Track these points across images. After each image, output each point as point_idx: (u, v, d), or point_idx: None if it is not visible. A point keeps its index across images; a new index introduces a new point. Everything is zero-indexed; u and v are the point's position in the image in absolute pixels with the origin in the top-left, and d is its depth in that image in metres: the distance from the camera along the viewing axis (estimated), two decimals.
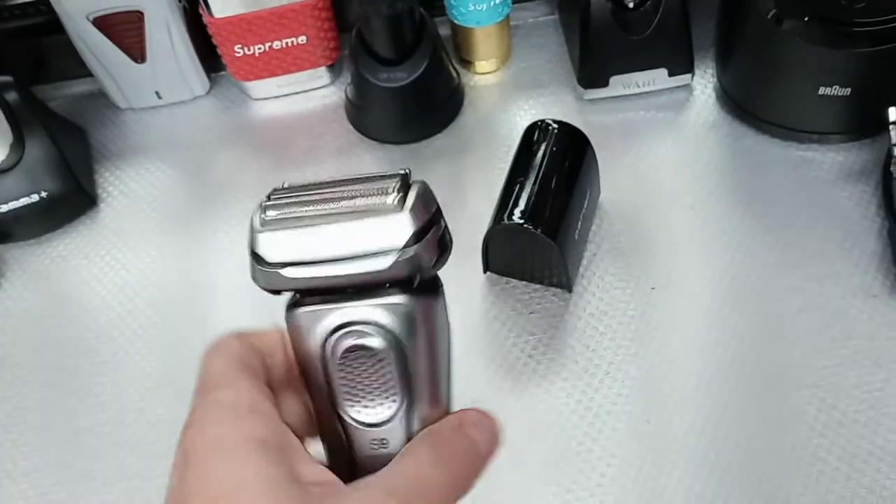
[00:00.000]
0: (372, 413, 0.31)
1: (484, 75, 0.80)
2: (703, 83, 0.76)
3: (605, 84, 0.74)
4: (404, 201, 0.30)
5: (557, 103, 0.76)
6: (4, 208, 0.70)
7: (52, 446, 0.63)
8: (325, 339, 0.31)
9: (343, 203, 0.30)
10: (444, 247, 0.31)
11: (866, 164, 0.69)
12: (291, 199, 0.31)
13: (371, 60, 0.72)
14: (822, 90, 0.65)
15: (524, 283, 0.65)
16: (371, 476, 0.30)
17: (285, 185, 0.32)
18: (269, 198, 0.31)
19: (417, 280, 0.31)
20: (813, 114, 0.69)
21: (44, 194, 0.71)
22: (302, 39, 0.76)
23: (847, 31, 0.63)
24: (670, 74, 0.73)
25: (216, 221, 0.73)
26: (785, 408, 0.58)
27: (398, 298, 0.30)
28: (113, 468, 0.61)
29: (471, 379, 0.61)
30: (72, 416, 0.64)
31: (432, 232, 0.30)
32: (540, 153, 0.63)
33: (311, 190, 0.31)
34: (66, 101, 0.82)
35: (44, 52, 0.82)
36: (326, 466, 0.31)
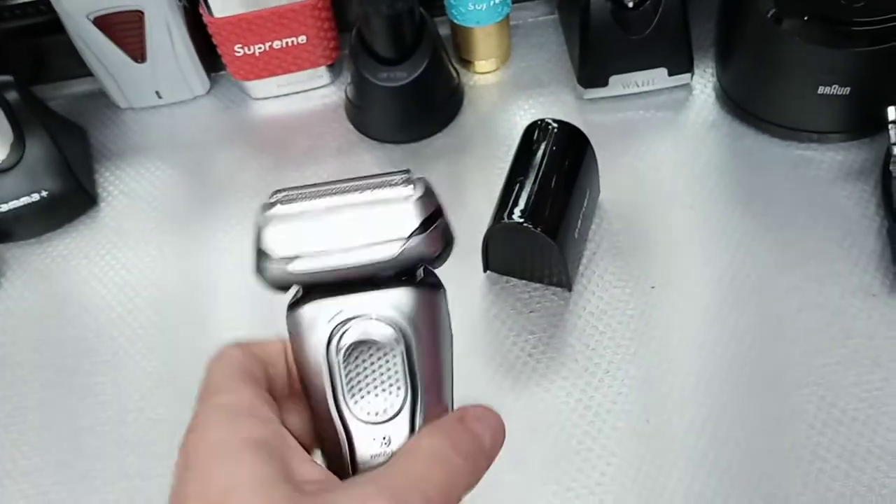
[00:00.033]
0: (376, 408, 0.31)
1: (484, 75, 0.80)
2: (703, 83, 0.76)
3: (604, 83, 0.74)
4: (410, 193, 0.31)
5: (557, 103, 0.77)
6: (5, 208, 0.70)
7: (53, 445, 0.63)
8: (331, 333, 0.31)
9: (348, 197, 0.31)
10: (447, 240, 0.32)
11: (865, 164, 0.69)
12: (295, 196, 0.31)
13: (371, 60, 0.72)
14: (821, 89, 0.65)
15: (524, 282, 0.66)
16: (368, 472, 0.30)
17: (287, 187, 0.32)
18: (272, 196, 0.32)
19: (421, 273, 0.32)
20: (812, 113, 0.69)
21: (44, 194, 0.71)
22: (302, 39, 0.76)
23: (846, 30, 0.63)
24: (670, 74, 0.74)
25: (216, 221, 0.74)
26: (784, 406, 0.58)
27: (403, 291, 0.31)
28: (113, 467, 0.61)
29: (471, 378, 0.61)
30: (72, 415, 0.64)
31: (437, 224, 0.31)
32: (540, 152, 0.64)
33: (314, 188, 0.31)
34: (66, 101, 0.82)
35: (44, 51, 0.82)
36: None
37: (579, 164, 0.64)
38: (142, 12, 0.73)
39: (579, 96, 0.76)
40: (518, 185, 0.62)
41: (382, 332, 0.31)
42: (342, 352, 0.31)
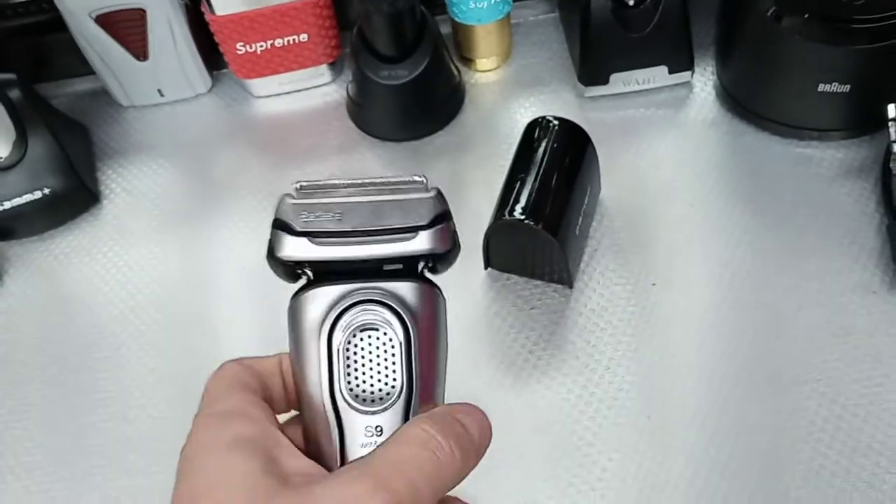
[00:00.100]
0: (372, 395, 0.32)
1: (485, 73, 0.80)
2: (703, 80, 0.76)
3: (605, 81, 0.74)
4: (425, 192, 0.32)
5: (558, 101, 0.77)
6: (7, 205, 0.71)
7: (55, 442, 0.63)
8: (335, 317, 0.32)
9: (366, 189, 0.32)
10: (454, 241, 0.33)
11: (865, 161, 0.69)
12: (316, 187, 0.33)
13: (372, 58, 0.72)
14: (821, 87, 0.66)
15: (525, 279, 0.66)
16: (356, 461, 0.30)
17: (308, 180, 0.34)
18: (294, 184, 0.33)
19: (426, 272, 0.33)
20: (812, 111, 0.69)
21: (46, 191, 0.71)
22: (303, 37, 0.76)
23: (846, 28, 0.63)
24: (670, 72, 0.74)
25: (218, 218, 0.74)
26: (785, 403, 0.58)
27: (408, 285, 0.32)
28: (115, 464, 0.62)
29: (472, 374, 0.62)
30: (74, 412, 0.64)
31: (448, 223, 0.33)
32: (541, 150, 0.64)
33: (335, 181, 0.33)
34: (68, 99, 0.82)
35: (46, 50, 0.82)
36: None
37: (580, 161, 0.64)
38: (144, 10, 0.74)
39: (580, 94, 0.76)
40: (519, 183, 0.62)
41: (385, 320, 0.32)
42: (344, 335, 0.31)
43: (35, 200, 0.71)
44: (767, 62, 0.68)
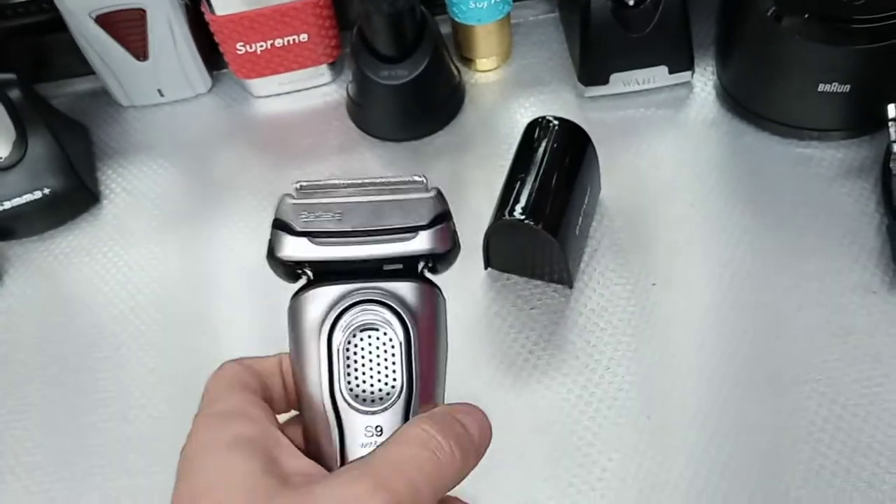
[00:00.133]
0: (372, 395, 0.31)
1: (485, 73, 0.80)
2: (703, 80, 0.76)
3: (605, 81, 0.74)
4: (426, 192, 0.32)
5: (558, 101, 0.77)
6: (7, 205, 0.71)
7: (55, 442, 0.63)
8: (335, 317, 0.32)
9: (367, 189, 0.32)
10: (454, 241, 0.33)
11: (865, 161, 0.69)
12: (316, 187, 0.33)
13: (372, 58, 0.72)
14: (821, 87, 0.66)
15: (525, 279, 0.66)
16: (356, 461, 0.30)
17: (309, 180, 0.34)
18: (294, 184, 0.33)
19: (426, 273, 0.33)
20: (812, 111, 0.69)
21: (46, 191, 0.71)
22: (303, 37, 0.76)
23: (846, 28, 0.63)
24: (670, 72, 0.74)
25: (218, 218, 0.74)
26: (785, 403, 0.58)
27: (408, 285, 0.32)
28: (115, 464, 0.62)
29: (472, 375, 0.62)
30: (74, 412, 0.64)
31: (448, 223, 0.33)
32: (541, 150, 0.64)
33: (335, 181, 0.33)
34: (68, 99, 0.82)
35: (46, 50, 0.82)
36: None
37: (580, 161, 0.64)
38: (144, 10, 0.74)
39: (580, 94, 0.76)
40: (519, 183, 0.62)
41: (385, 320, 0.32)
42: (345, 335, 0.31)
43: (35, 200, 0.71)
44: (767, 62, 0.68)
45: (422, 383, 0.32)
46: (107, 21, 0.74)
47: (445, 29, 0.79)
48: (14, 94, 0.72)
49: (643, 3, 0.70)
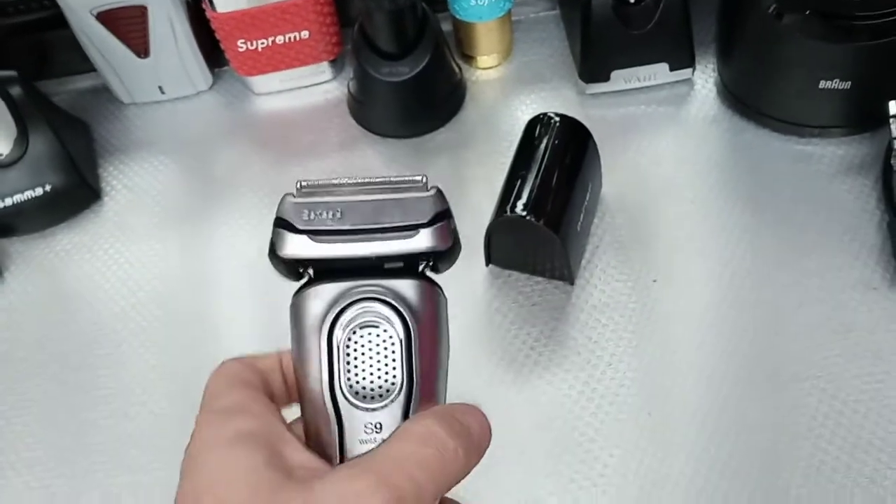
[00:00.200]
0: (372, 392, 0.32)
1: (486, 70, 0.80)
2: (704, 78, 0.76)
3: (606, 78, 0.74)
4: (426, 190, 0.33)
5: (559, 98, 0.77)
6: (8, 202, 0.71)
7: (56, 439, 0.63)
8: (336, 314, 0.32)
9: (368, 187, 0.33)
10: (455, 239, 0.33)
11: (866, 158, 0.69)
12: (318, 186, 0.33)
13: (373, 55, 0.72)
14: (822, 84, 0.66)
15: (526, 275, 0.66)
16: (359, 457, 0.30)
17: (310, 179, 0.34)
18: (296, 184, 0.33)
19: (427, 271, 0.33)
20: (813, 108, 0.69)
21: (47, 188, 0.71)
22: (304, 34, 0.76)
23: (847, 25, 0.63)
24: (671, 69, 0.74)
25: (219, 216, 0.74)
26: (785, 399, 0.58)
27: (409, 283, 0.32)
28: (116, 461, 0.62)
29: (473, 371, 0.62)
30: (75, 409, 0.64)
31: (448, 221, 0.33)
32: (542, 146, 0.64)
33: (336, 181, 0.33)
34: (69, 97, 0.82)
35: (47, 47, 0.82)
36: None
37: (581, 157, 0.64)
38: (145, 7, 0.74)
39: (581, 91, 0.76)
40: (520, 179, 0.62)
41: (385, 317, 0.32)
42: (345, 332, 0.32)
43: (36, 197, 0.71)
44: (768, 59, 0.68)
45: (422, 381, 0.32)
46: (108, 18, 0.74)
47: (446, 26, 0.79)
48: (15, 90, 0.72)
49: (644, 1, 0.70)
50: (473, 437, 0.31)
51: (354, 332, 0.32)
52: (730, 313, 0.63)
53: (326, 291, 0.32)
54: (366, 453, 0.30)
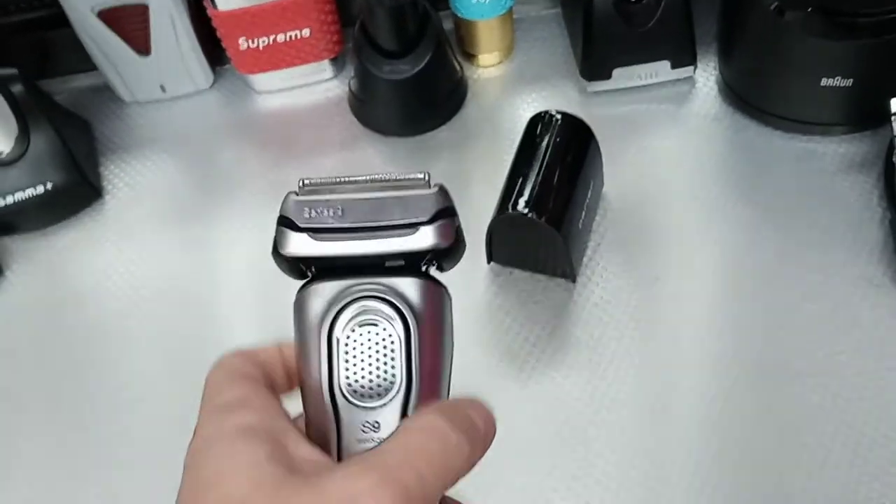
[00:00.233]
0: (370, 390, 0.31)
1: (487, 68, 0.80)
2: (706, 75, 0.76)
3: (607, 76, 0.74)
4: (429, 188, 0.32)
5: (560, 96, 0.77)
6: (10, 200, 0.71)
7: (57, 436, 0.63)
8: (336, 312, 0.32)
9: (370, 185, 0.33)
10: (458, 238, 0.33)
11: (868, 156, 0.69)
12: (320, 183, 0.33)
13: (375, 53, 0.72)
14: (824, 82, 0.66)
15: (528, 273, 0.66)
16: (362, 454, 0.29)
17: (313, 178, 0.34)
18: (299, 182, 0.33)
19: (430, 269, 0.33)
20: (815, 105, 0.69)
21: (49, 186, 0.71)
22: (306, 32, 0.76)
23: (849, 22, 0.63)
24: (673, 67, 0.74)
25: (220, 213, 0.74)
26: (788, 396, 0.58)
27: (411, 281, 0.32)
28: (117, 458, 0.62)
29: (475, 369, 0.62)
30: (76, 406, 0.64)
31: (451, 218, 0.32)
32: (544, 144, 0.64)
33: (339, 178, 0.33)
34: (71, 95, 0.82)
35: (49, 45, 0.82)
36: None
37: (583, 155, 0.64)
38: (146, 5, 0.74)
39: (582, 89, 0.76)
40: (522, 177, 0.62)
41: (384, 315, 0.31)
42: (344, 330, 0.31)
43: (37, 195, 0.71)
44: (770, 57, 0.68)
45: (422, 380, 0.32)
46: (109, 16, 0.74)
47: (448, 24, 0.79)
48: (17, 89, 0.72)
49: None
50: (478, 431, 0.31)
51: (353, 331, 0.31)
52: (732, 311, 0.63)
53: (327, 289, 0.32)
54: (370, 450, 0.30)
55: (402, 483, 0.27)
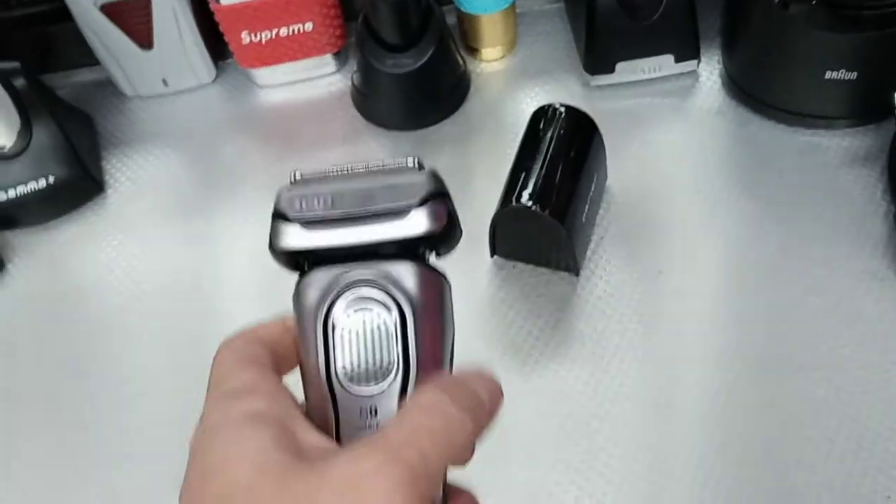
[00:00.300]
0: (366, 376, 0.31)
1: (490, 62, 0.80)
2: (709, 69, 0.76)
3: (611, 70, 0.74)
4: (419, 172, 0.32)
5: (564, 90, 0.77)
6: (12, 194, 0.71)
7: (58, 431, 0.63)
8: (332, 299, 0.32)
9: (362, 172, 0.33)
10: (452, 220, 0.32)
11: (872, 149, 0.69)
12: (312, 175, 0.33)
13: (377, 47, 0.72)
14: (828, 75, 0.66)
15: (531, 266, 0.66)
16: (366, 437, 0.29)
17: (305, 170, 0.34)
18: (290, 175, 0.33)
19: (427, 255, 0.33)
20: (819, 99, 0.69)
21: (51, 180, 0.71)
22: (308, 26, 0.76)
23: (853, 15, 0.63)
24: (676, 61, 0.74)
25: (222, 208, 0.74)
26: (792, 390, 0.58)
27: (407, 266, 0.32)
28: (119, 453, 0.62)
29: (478, 362, 0.61)
30: (78, 401, 0.64)
31: (443, 201, 0.32)
32: (547, 137, 0.64)
33: (330, 168, 0.33)
34: (73, 89, 0.83)
35: (51, 39, 0.82)
36: None
37: (587, 148, 0.64)
38: (149, 0, 0.74)
39: (586, 83, 0.76)
40: (525, 170, 0.62)
41: (379, 301, 0.31)
42: (340, 317, 0.31)
43: (39, 189, 0.71)
44: (774, 50, 0.68)
45: (420, 366, 0.31)
46: (112, 10, 0.74)
47: (451, 18, 0.79)
48: (19, 83, 0.72)
49: None
50: (482, 405, 0.30)
51: (348, 317, 0.32)
52: (735, 304, 0.63)
53: (322, 278, 0.32)
54: (377, 434, 0.29)
55: (406, 462, 0.27)
